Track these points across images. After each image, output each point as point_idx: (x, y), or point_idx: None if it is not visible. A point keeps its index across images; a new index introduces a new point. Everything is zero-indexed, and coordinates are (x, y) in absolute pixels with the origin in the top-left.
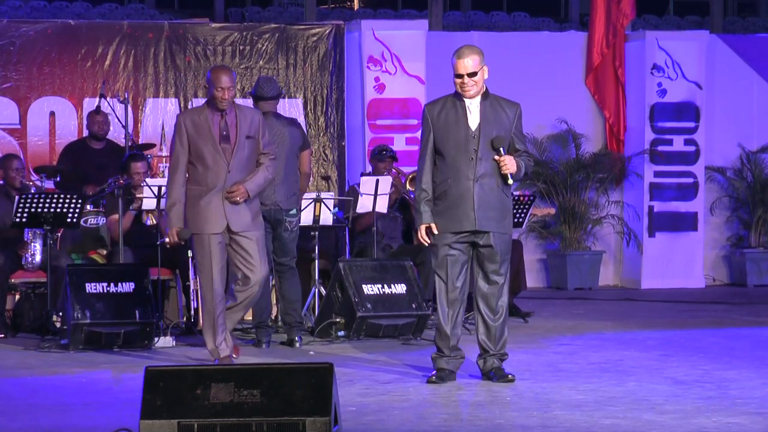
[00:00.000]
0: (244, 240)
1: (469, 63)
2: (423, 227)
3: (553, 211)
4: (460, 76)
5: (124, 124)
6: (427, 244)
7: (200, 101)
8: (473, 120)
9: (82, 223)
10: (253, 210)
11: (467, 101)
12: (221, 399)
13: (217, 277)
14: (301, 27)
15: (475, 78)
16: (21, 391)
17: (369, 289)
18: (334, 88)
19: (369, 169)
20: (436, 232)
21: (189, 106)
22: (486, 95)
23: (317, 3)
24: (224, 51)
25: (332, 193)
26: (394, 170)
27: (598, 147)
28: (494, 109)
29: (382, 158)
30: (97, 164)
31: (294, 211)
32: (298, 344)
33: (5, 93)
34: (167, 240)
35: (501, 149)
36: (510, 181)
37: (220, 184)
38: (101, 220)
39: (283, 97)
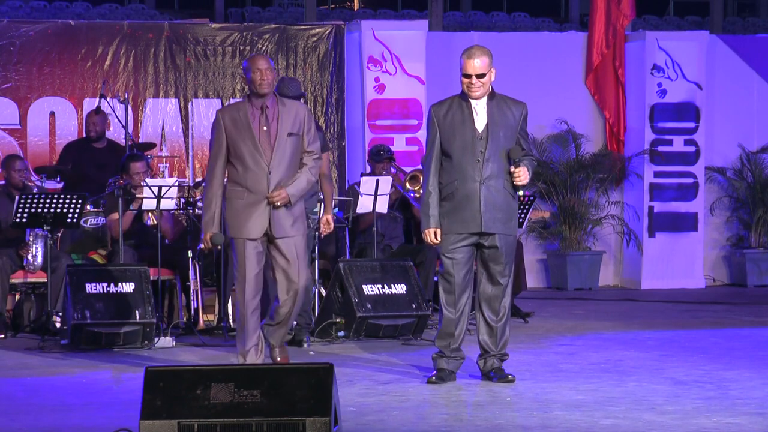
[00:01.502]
0: (283, 245)
1: (478, 63)
2: (431, 231)
3: (548, 213)
4: (468, 76)
5: (124, 124)
6: (434, 245)
7: (200, 101)
8: (480, 121)
9: (81, 223)
10: (295, 214)
11: (473, 102)
12: (221, 399)
13: (251, 284)
14: (301, 27)
15: (483, 79)
16: (21, 391)
17: (369, 289)
18: (334, 88)
19: (368, 169)
20: (440, 239)
21: (189, 107)
22: (492, 95)
23: (317, 3)
24: (224, 51)
25: None
26: (394, 168)
27: (598, 147)
28: (501, 110)
29: (379, 158)
30: (98, 164)
31: (317, 209)
32: (306, 345)
33: (5, 93)
34: (202, 246)
35: (517, 161)
36: (520, 192)
37: (262, 187)
38: (101, 220)
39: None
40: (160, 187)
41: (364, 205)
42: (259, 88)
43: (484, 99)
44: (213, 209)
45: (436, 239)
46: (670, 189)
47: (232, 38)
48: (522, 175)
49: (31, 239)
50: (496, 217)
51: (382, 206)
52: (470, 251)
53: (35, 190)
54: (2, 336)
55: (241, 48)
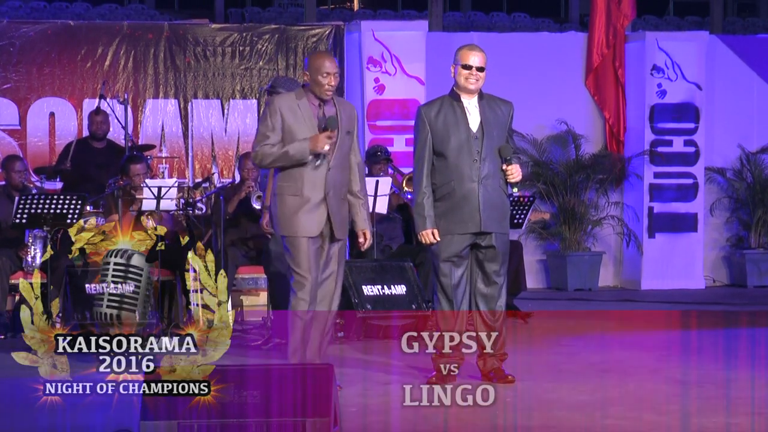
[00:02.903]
0: (337, 248)
1: (480, 57)
2: (429, 232)
3: (548, 215)
4: (469, 68)
5: (123, 124)
6: (432, 244)
7: (200, 102)
8: (473, 121)
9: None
10: (345, 215)
11: (465, 102)
12: (221, 399)
13: (313, 285)
14: (301, 28)
15: (482, 73)
16: (21, 391)
17: (369, 289)
18: None
19: (365, 170)
20: (438, 239)
21: (189, 107)
22: (481, 95)
23: (317, 4)
24: (224, 51)
25: None
26: (391, 169)
27: (598, 148)
28: (492, 108)
29: (376, 159)
30: (98, 164)
31: None
32: None
33: (5, 94)
34: (326, 148)
35: (509, 158)
36: (515, 190)
37: (320, 183)
38: (101, 221)
39: None
40: (159, 188)
41: None
42: (324, 94)
43: (475, 99)
44: (287, 142)
45: (435, 239)
46: (670, 189)
47: (231, 39)
48: (515, 171)
49: (30, 240)
50: (493, 216)
51: (382, 207)
52: (467, 252)
53: (34, 191)
54: (2, 336)
55: (241, 48)
